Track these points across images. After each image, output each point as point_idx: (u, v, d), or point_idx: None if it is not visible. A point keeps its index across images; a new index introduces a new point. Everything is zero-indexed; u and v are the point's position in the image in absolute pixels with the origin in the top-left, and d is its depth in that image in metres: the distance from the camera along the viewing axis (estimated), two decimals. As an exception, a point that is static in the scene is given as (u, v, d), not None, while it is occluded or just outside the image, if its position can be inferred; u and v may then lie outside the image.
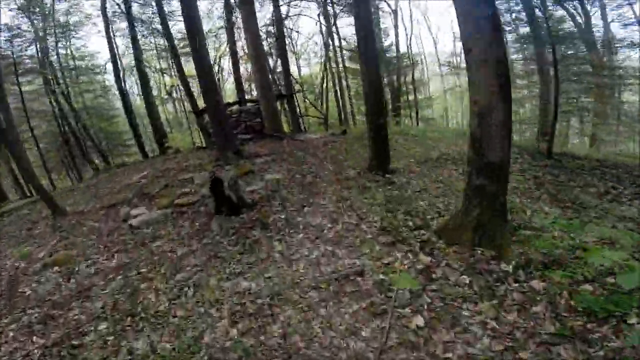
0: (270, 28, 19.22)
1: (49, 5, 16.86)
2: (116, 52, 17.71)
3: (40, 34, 16.87)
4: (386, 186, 6.19)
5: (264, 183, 6.65)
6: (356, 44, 22.19)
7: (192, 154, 11.91)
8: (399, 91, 23.93)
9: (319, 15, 24.80)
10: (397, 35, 22.90)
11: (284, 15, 17.35)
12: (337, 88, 22.11)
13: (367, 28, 6.43)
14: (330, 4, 19.66)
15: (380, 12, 22.49)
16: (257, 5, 20.57)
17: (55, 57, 18.32)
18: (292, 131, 16.19)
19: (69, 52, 19.76)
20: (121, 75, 18.21)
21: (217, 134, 9.15)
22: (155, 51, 22.85)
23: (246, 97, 17.26)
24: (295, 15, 18.78)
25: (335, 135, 12.47)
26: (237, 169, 8.14)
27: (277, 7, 15.61)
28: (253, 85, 20.35)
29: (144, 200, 7.35)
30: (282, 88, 17.14)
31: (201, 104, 12.43)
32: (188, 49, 26.14)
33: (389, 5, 22.50)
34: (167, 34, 14.42)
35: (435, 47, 33.13)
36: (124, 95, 17.99)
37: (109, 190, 9.11)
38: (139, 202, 7.29)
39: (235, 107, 13.20)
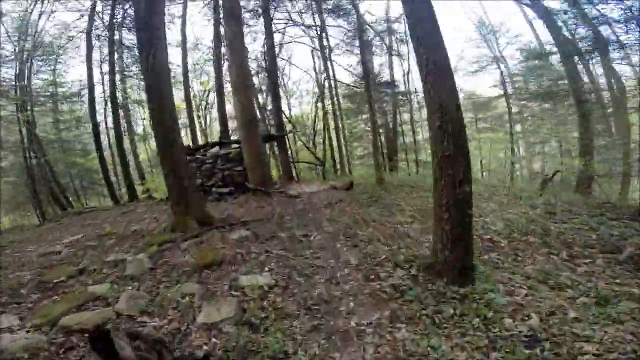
0: (262, 62, 16.98)
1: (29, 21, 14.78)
2: (93, 79, 15.69)
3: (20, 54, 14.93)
4: (482, 311, 3.08)
5: (235, 305, 3.42)
6: (357, 80, 20.70)
7: (161, 206, 9.63)
8: (394, 132, 21.69)
9: (312, 51, 23.35)
10: (391, 68, 21.16)
11: (276, 44, 15.09)
12: (333, 129, 19.66)
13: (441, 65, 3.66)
14: (325, 38, 17.75)
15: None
16: (247, 38, 18.63)
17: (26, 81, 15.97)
18: (282, 180, 13.22)
19: (49, 77, 17.56)
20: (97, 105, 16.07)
21: (173, 191, 6.03)
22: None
23: (232, 138, 14.60)
24: (288, 42, 16.51)
25: (337, 190, 9.50)
26: (195, 253, 4.99)
27: (269, 33, 13.31)
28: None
29: (29, 298, 4.03)
30: (272, 128, 14.38)
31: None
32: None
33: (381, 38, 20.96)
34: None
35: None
36: (95, 127, 15.67)
37: (13, 260, 5.89)
38: (21, 301, 3.94)
39: (213, 150, 10.23)
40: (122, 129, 17.02)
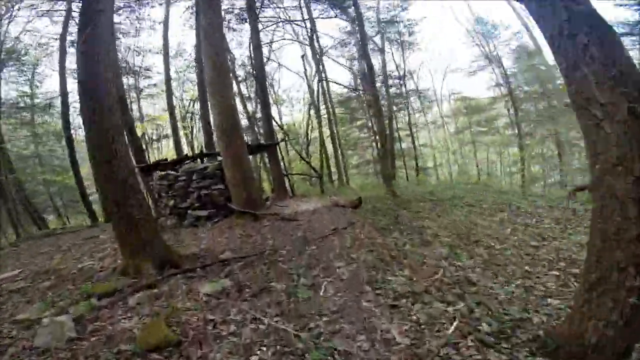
0: (249, 68, 15.28)
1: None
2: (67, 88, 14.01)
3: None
4: None
5: None
6: (351, 82, 19.13)
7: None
8: (390, 137, 20.12)
9: (303, 57, 21.83)
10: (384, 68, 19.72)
11: (264, 43, 13.40)
12: (327, 136, 17.99)
13: None
14: (316, 39, 16.21)
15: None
16: (232, 43, 16.97)
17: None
18: (276, 194, 11.41)
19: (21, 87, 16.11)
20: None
21: (117, 225, 4.20)
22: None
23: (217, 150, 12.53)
24: (277, 41, 14.83)
25: (343, 208, 7.77)
26: (145, 318, 3.21)
27: (255, 32, 11.65)
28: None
29: None
30: (262, 137, 12.60)
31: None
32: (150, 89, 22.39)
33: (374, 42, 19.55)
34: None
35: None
36: (69, 141, 14.13)
37: None
38: None
39: (187, 166, 8.40)
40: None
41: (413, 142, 20.21)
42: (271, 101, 24.54)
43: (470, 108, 24.44)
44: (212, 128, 15.58)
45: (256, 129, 14.55)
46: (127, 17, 15.79)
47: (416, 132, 23.27)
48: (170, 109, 16.74)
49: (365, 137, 22.30)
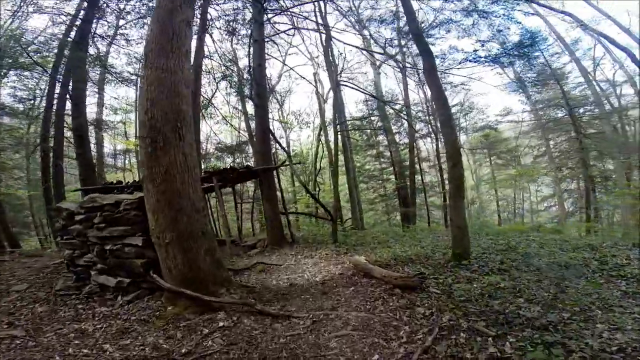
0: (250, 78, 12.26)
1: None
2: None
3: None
4: None
5: None
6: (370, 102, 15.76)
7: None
8: (411, 170, 16.61)
9: (315, 74, 19.00)
10: (406, 88, 16.56)
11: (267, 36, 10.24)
12: (341, 166, 14.55)
13: None
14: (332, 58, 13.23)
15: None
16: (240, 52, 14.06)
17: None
18: (268, 240, 7.86)
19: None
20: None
21: None
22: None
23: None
24: (283, 31, 11.75)
25: (380, 282, 4.05)
26: None
27: (259, 24, 8.60)
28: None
29: None
30: (253, 159, 9.18)
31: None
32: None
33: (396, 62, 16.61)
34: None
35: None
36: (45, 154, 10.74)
37: None
38: None
39: (88, 198, 4.82)
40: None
41: (441, 176, 16.61)
42: (277, 125, 21.72)
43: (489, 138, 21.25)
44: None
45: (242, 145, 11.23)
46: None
47: (436, 165, 19.75)
48: None
49: (384, 167, 18.92)
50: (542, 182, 22.10)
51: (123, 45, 13.60)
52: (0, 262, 7.73)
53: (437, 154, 16.69)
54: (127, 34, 12.71)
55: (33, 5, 9.72)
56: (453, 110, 17.85)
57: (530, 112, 19.40)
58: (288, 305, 3.91)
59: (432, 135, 18.41)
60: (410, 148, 16.83)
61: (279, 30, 11.48)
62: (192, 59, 13.85)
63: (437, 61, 7.22)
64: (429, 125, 16.83)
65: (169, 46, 4.06)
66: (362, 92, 12.04)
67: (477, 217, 21.61)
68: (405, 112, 15.25)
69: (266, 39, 9.83)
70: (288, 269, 5.70)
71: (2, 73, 12.66)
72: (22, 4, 9.65)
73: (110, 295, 4.15)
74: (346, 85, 11.50)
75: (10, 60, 10.59)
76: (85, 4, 8.86)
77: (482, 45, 8.21)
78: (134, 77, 16.51)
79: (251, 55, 9.30)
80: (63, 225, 4.59)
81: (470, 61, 8.34)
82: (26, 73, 11.63)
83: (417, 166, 17.01)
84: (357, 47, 12.00)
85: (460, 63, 8.51)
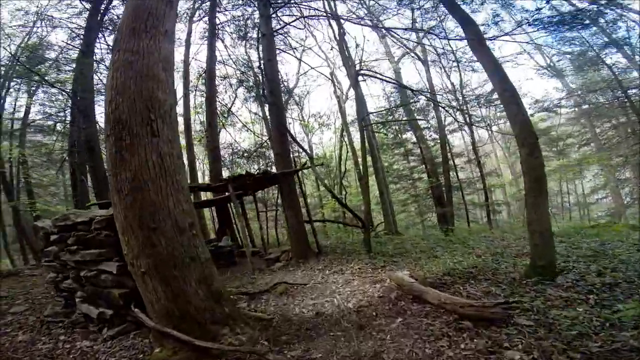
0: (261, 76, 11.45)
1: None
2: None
3: None
4: None
5: None
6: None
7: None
8: (444, 166, 14.95)
9: (331, 74, 17.98)
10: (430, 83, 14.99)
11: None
12: (370, 166, 13.32)
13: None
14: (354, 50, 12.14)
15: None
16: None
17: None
18: (292, 252, 6.86)
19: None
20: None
21: None
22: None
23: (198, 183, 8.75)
24: (293, 21, 10.78)
25: (438, 310, 2.80)
26: None
27: (267, 18, 7.73)
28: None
29: None
30: (276, 161, 8.24)
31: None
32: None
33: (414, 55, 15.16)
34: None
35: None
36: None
37: None
38: None
39: (61, 216, 3.96)
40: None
41: (481, 172, 14.84)
42: (299, 129, 20.88)
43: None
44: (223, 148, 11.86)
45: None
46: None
47: (473, 160, 17.89)
48: (187, 124, 13.45)
49: (413, 166, 17.47)
50: (590, 173, 19.56)
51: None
52: (21, 278, 7.30)
53: (474, 147, 15.01)
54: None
55: (47, 21, 9.52)
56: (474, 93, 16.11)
57: (567, 99, 17.18)
58: (313, 350, 2.82)
59: (466, 128, 16.78)
60: (441, 143, 15.26)
61: (284, 22, 10.58)
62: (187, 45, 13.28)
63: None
64: (465, 116, 15.14)
65: (142, 26, 3.19)
66: (387, 80, 10.77)
67: (519, 215, 19.48)
68: (434, 103, 13.79)
69: (275, 34, 8.95)
70: (314, 290, 4.60)
71: (31, 91, 12.79)
72: (36, 19, 9.47)
73: (94, 327, 3.29)
74: (367, 75, 10.34)
75: (37, 77, 10.52)
76: (87, 12, 8.43)
77: (547, 2, 6.40)
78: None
79: (261, 51, 8.43)
80: (43, 246, 3.82)
81: (531, 24, 6.49)
82: (53, 90, 11.60)
83: (450, 162, 15.39)
84: (376, 26, 10.73)
85: (518, 27, 6.66)
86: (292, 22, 10.62)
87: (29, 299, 4.94)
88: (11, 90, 11.72)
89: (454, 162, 15.88)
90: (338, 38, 12.53)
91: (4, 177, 11.87)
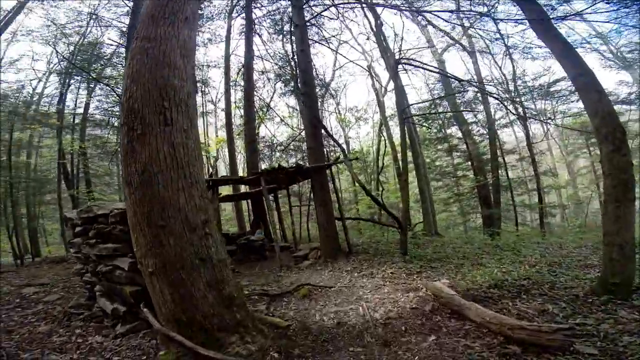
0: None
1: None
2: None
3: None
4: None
5: None
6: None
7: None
8: (493, 163, 13.57)
9: (369, 67, 17.26)
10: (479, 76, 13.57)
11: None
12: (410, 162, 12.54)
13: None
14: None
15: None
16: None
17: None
18: (322, 252, 6.57)
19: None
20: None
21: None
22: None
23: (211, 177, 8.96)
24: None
25: (503, 338, 2.27)
26: None
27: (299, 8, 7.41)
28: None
29: None
30: (308, 155, 7.93)
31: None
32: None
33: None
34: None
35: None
36: None
37: None
38: None
39: (85, 207, 3.94)
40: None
41: (535, 169, 13.32)
42: (335, 124, 20.43)
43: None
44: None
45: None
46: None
47: (526, 158, 16.11)
48: (228, 119, 13.77)
49: (458, 163, 16.27)
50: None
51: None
52: (68, 265, 7.82)
53: (528, 143, 13.48)
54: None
55: (98, 21, 10.08)
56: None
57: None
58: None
59: (519, 123, 15.17)
60: (490, 139, 13.93)
61: (317, 12, 10.15)
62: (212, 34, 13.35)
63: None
64: (519, 109, 13.62)
65: (161, 13, 3.02)
66: (430, 69, 9.86)
67: (576, 219, 17.34)
68: (484, 94, 12.55)
69: (308, 25, 8.60)
70: (339, 294, 4.23)
71: (89, 88, 13.80)
72: (89, 19, 10.06)
73: (109, 322, 3.22)
74: (408, 65, 9.55)
75: (94, 75, 11.31)
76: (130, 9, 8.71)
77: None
78: (197, 84, 16.89)
79: (294, 42, 8.11)
80: (71, 237, 3.87)
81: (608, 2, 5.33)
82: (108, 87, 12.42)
83: (500, 159, 14.01)
84: (417, 11, 9.88)
85: (593, 5, 5.46)
86: (323, 11, 10.18)
87: (65, 287, 5.14)
88: (72, 87, 12.64)
89: (504, 159, 14.46)
90: (375, 29, 11.86)
91: (65, 167, 12.93)
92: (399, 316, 3.35)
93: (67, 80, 12.26)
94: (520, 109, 13.01)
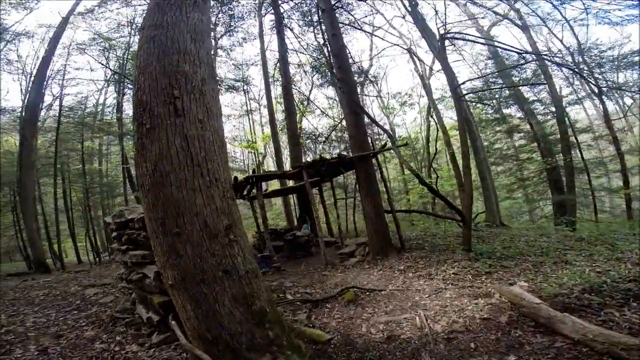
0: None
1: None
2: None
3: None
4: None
5: None
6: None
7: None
8: (565, 145, 11.55)
9: (409, 50, 15.84)
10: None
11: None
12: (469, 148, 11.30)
13: None
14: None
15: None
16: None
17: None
18: (373, 248, 6.03)
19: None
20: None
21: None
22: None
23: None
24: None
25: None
26: None
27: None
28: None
29: None
30: (352, 144, 7.32)
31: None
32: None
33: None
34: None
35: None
36: None
37: None
38: None
39: (117, 210, 3.83)
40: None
41: (618, 149, 11.13)
42: (378, 112, 19.38)
43: None
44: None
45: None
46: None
47: (604, 135, 13.55)
48: (271, 114, 13.79)
49: (520, 145, 14.43)
50: None
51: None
52: None
53: (607, 119, 11.34)
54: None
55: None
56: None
57: None
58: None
59: (593, 98, 12.86)
60: (559, 117, 11.96)
61: None
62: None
63: None
64: (591, 83, 11.48)
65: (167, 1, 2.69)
66: (483, 42, 8.60)
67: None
68: (551, 64, 10.71)
69: (335, 9, 7.94)
70: (391, 299, 3.66)
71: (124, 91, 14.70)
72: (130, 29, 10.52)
73: (146, 330, 3.06)
74: (455, 39, 8.38)
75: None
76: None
77: None
78: (238, 84, 17.08)
79: (324, 29, 7.53)
80: (111, 242, 3.83)
81: None
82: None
83: (572, 139, 11.98)
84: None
85: None
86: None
87: (122, 289, 5.27)
88: (127, 95, 13.48)
89: (576, 138, 12.37)
90: (410, 8, 10.68)
91: (128, 171, 13.90)
92: (467, 329, 2.70)
93: (122, 89, 13.10)
94: (596, 82, 10.93)
